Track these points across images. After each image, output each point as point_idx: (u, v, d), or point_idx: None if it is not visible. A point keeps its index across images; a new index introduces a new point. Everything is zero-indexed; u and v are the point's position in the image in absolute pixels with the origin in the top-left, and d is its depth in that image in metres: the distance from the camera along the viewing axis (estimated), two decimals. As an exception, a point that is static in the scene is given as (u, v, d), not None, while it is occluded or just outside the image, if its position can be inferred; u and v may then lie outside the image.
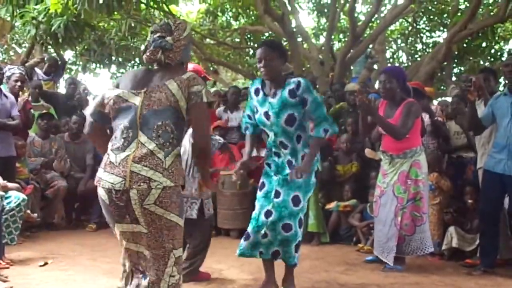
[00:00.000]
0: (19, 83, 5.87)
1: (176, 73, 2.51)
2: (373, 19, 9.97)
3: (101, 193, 2.45)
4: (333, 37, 11.37)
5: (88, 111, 2.79)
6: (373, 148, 5.77)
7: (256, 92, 3.79)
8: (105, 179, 2.42)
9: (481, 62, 10.65)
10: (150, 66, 2.62)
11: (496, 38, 10.37)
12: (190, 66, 4.04)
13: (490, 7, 9.86)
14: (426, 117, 5.87)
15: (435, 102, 7.77)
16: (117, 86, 2.56)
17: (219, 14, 11.39)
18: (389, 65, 11.36)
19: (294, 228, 3.62)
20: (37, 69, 8.06)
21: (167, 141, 2.43)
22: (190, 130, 3.40)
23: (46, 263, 4.58)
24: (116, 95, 2.50)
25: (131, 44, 10.05)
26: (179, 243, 2.49)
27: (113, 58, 9.68)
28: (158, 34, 2.56)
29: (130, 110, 2.45)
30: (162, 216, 2.39)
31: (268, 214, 3.62)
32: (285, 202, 3.62)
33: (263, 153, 6.72)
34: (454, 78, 10.02)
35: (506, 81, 4.60)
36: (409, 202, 4.43)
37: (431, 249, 4.57)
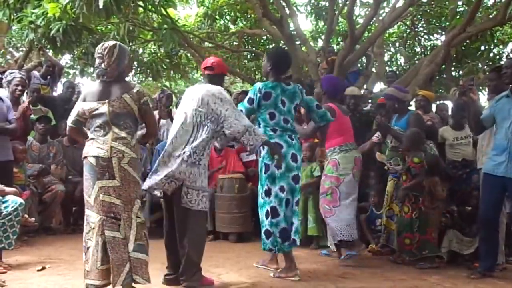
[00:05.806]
0: (19, 87, 5.88)
1: (123, 84, 3.65)
2: (371, 22, 9.96)
3: (91, 159, 3.55)
4: (331, 40, 11.37)
5: (69, 120, 3.74)
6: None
7: None
8: (94, 150, 3.54)
9: (480, 66, 10.63)
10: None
11: (495, 41, 10.36)
12: (212, 59, 4.24)
13: (489, 10, 9.84)
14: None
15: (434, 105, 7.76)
16: (85, 99, 3.65)
17: (217, 17, 11.39)
18: (387, 68, 11.36)
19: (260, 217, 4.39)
20: (34, 72, 8.04)
21: (130, 131, 3.61)
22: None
23: (44, 268, 4.56)
24: (89, 107, 3.61)
25: (129, 48, 10.03)
26: (139, 195, 3.63)
27: (111, 61, 9.62)
28: (98, 61, 3.62)
29: (103, 115, 3.59)
30: (130, 173, 3.55)
31: None
32: None
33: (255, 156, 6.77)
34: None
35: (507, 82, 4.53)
36: (322, 196, 4.96)
37: (332, 242, 5.09)
